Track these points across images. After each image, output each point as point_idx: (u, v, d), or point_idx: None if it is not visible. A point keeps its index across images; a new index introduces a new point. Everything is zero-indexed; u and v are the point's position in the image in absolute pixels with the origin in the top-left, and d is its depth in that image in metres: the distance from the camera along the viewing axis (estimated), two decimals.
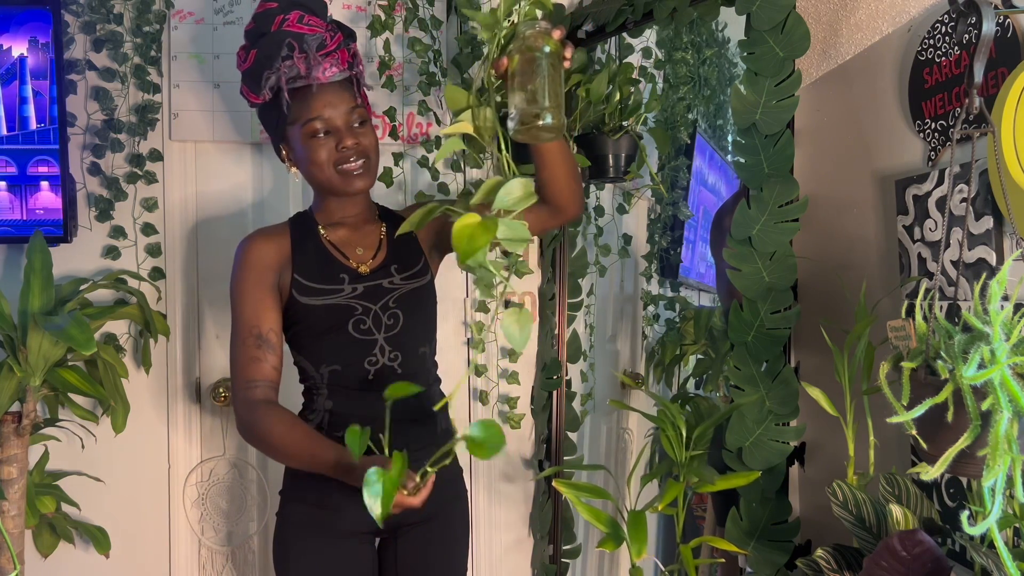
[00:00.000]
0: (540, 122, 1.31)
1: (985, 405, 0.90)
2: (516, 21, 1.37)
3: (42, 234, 1.94)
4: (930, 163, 1.35)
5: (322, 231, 1.68)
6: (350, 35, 1.65)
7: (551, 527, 2.31)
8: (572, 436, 2.33)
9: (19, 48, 2.03)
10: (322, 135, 1.58)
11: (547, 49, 1.31)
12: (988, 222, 1.21)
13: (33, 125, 2.04)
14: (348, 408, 1.63)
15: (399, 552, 1.70)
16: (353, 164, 1.59)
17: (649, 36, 2.53)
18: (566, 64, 1.36)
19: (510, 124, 1.35)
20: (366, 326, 1.63)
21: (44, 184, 2.05)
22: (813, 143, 1.66)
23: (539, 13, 1.41)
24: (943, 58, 1.32)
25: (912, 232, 1.37)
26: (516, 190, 1.25)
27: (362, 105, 1.64)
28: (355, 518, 1.56)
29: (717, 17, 1.70)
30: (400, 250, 1.71)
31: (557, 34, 1.33)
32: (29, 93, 2.04)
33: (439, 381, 1.78)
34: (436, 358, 1.78)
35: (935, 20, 1.34)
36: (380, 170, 1.86)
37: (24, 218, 2.06)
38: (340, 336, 1.62)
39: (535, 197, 1.26)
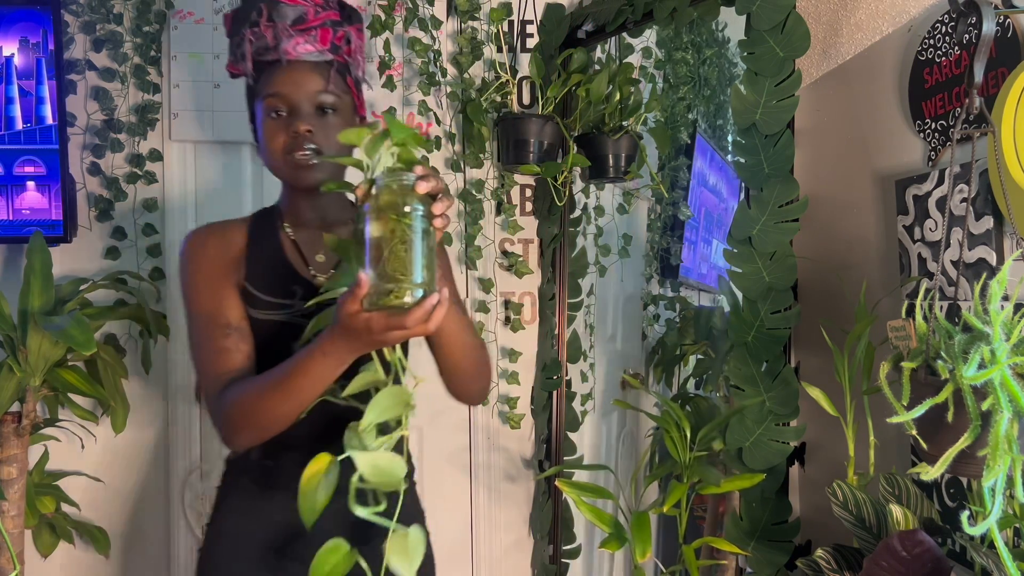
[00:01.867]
0: (396, 301, 1.04)
1: (985, 405, 0.90)
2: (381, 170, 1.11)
3: (42, 234, 1.94)
4: (930, 163, 1.35)
5: (287, 228, 1.47)
6: (349, 18, 1.49)
7: (551, 527, 2.31)
8: (572, 436, 2.33)
9: (9, 48, 2.04)
10: (280, 115, 1.39)
11: (407, 208, 1.04)
12: (988, 222, 1.21)
13: (19, 125, 2.05)
14: (288, 461, 1.41)
15: None
16: (302, 153, 1.37)
17: (649, 36, 2.53)
18: (437, 224, 1.08)
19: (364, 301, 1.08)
20: None
21: (30, 184, 2.06)
22: (813, 143, 1.66)
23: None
24: (943, 58, 1.32)
25: (912, 232, 1.37)
26: (385, 402, 1.08)
27: (337, 93, 1.42)
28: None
29: (717, 17, 1.70)
30: None
31: (423, 187, 1.06)
32: (16, 93, 2.04)
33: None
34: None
35: (935, 20, 1.34)
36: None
37: (10, 218, 2.06)
38: (285, 358, 1.33)
39: (412, 407, 1.09)
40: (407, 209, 1.04)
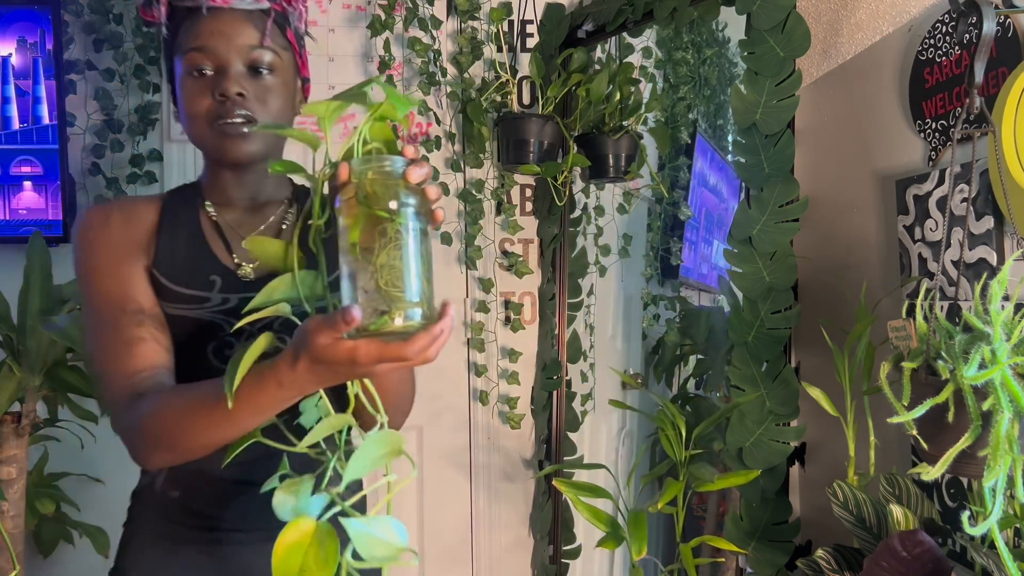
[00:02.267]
0: (395, 327, 0.79)
1: (986, 405, 0.90)
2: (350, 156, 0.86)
3: (41, 234, 1.94)
4: (931, 163, 1.34)
5: (209, 208, 1.23)
6: None
7: (551, 527, 2.30)
8: (572, 436, 2.33)
9: (6, 48, 2.04)
10: (204, 73, 1.14)
11: (395, 204, 0.80)
12: (989, 222, 1.20)
13: (16, 125, 2.05)
14: (199, 490, 1.18)
15: None
16: (231, 121, 1.13)
17: (649, 36, 2.53)
18: (436, 219, 0.85)
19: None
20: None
21: (27, 184, 2.06)
22: (813, 143, 1.66)
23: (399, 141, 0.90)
24: (944, 58, 1.32)
25: (913, 232, 1.37)
26: (374, 452, 0.83)
27: (275, 49, 1.17)
28: None
29: (717, 17, 1.69)
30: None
31: (416, 175, 0.81)
32: (12, 93, 2.04)
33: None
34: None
35: (936, 20, 1.34)
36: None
37: (7, 218, 2.07)
38: (194, 366, 1.15)
39: (400, 452, 0.84)
40: (396, 205, 0.80)
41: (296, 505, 0.83)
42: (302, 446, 0.88)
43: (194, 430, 0.97)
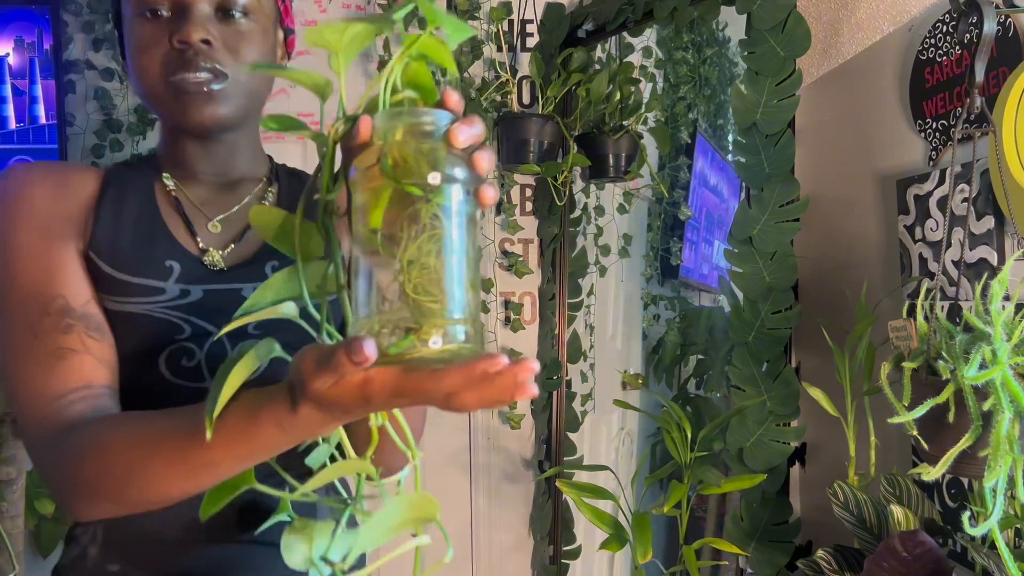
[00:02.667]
0: (429, 345, 0.55)
1: (986, 405, 0.90)
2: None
3: None
4: (931, 163, 1.34)
5: (167, 181, 0.98)
6: None
7: (551, 528, 2.30)
8: (572, 437, 2.33)
9: (3, 48, 2.04)
10: (159, 15, 0.90)
11: (435, 179, 0.55)
12: (989, 222, 1.20)
13: (12, 125, 2.05)
14: (153, 558, 0.90)
15: None
16: (193, 76, 0.89)
17: (649, 35, 2.53)
18: (486, 199, 0.58)
19: (362, 325, 0.56)
20: (193, 363, 0.91)
21: None
22: (814, 143, 1.66)
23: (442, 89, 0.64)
24: (944, 57, 1.32)
25: (913, 232, 1.37)
26: (399, 516, 0.62)
27: None
28: None
29: (717, 16, 1.69)
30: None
31: (464, 135, 0.56)
32: (9, 93, 2.04)
33: None
34: None
35: (936, 19, 1.33)
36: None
37: None
38: (143, 377, 0.90)
39: (431, 519, 0.64)
40: (435, 178, 0.55)
41: (310, 554, 0.68)
42: (302, 491, 0.64)
43: (152, 476, 0.70)
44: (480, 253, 0.53)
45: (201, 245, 0.95)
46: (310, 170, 1.00)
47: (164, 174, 0.99)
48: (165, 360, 0.90)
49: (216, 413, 0.62)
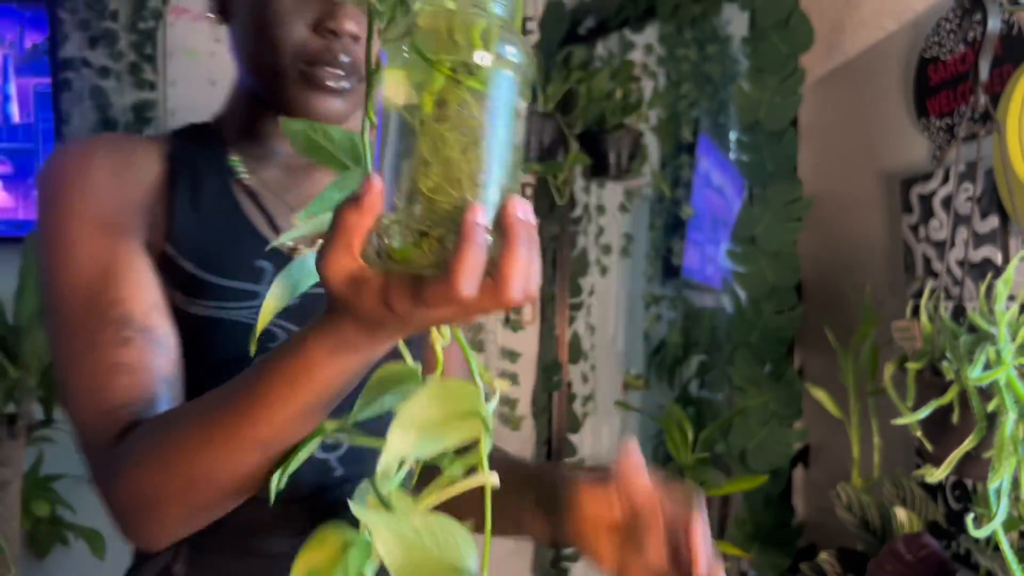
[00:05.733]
0: (433, 255, 0.47)
1: (991, 406, 0.90)
2: None
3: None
4: (935, 161, 1.33)
5: (237, 165, 0.87)
6: None
7: None
8: (572, 438, 2.32)
9: None
10: None
11: (479, 56, 0.46)
12: (994, 221, 1.19)
13: None
14: (225, 544, 0.82)
15: None
16: (336, 73, 0.80)
17: (651, 33, 2.52)
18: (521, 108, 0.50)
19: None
20: None
21: None
22: (817, 141, 1.65)
23: None
24: (948, 55, 1.31)
25: (917, 231, 1.36)
26: (428, 411, 0.53)
27: None
28: None
29: (719, 13, 1.69)
30: None
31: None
32: None
33: None
34: None
35: (940, 17, 1.33)
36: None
37: None
38: None
39: (480, 407, 0.56)
40: (479, 56, 0.47)
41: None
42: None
43: (212, 456, 0.62)
44: (520, 153, 0.44)
45: (291, 244, 0.83)
46: None
47: (232, 158, 0.86)
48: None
49: (261, 326, 0.59)
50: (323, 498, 0.80)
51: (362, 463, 0.82)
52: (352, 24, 0.78)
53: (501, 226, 0.47)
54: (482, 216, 0.45)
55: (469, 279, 0.45)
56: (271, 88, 0.82)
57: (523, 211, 0.47)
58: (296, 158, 0.87)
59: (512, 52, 0.47)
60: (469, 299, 0.46)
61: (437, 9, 0.47)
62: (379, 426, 0.55)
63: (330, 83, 0.79)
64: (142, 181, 0.81)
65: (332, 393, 0.58)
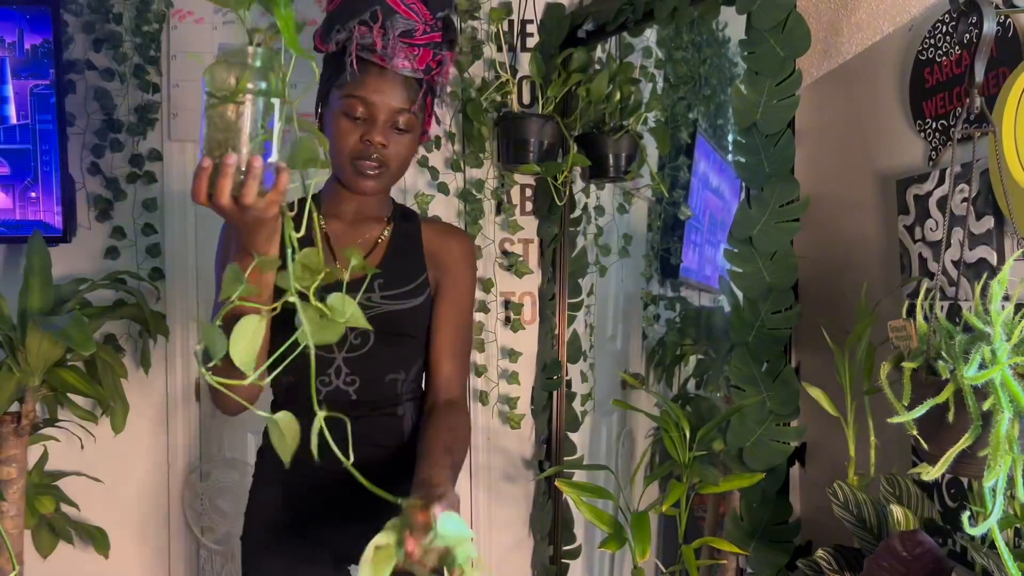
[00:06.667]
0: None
1: (986, 405, 0.90)
2: None
3: (41, 234, 1.93)
4: (931, 163, 1.34)
5: (322, 221, 1.47)
6: (450, 42, 1.48)
7: (551, 528, 2.30)
8: (572, 436, 2.33)
9: None
10: (357, 118, 1.38)
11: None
12: (989, 222, 1.20)
13: None
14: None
15: None
16: (369, 163, 1.38)
17: (649, 36, 2.53)
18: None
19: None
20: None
21: None
22: (814, 143, 1.66)
23: None
24: (944, 57, 1.32)
25: (913, 232, 1.37)
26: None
27: (416, 113, 1.42)
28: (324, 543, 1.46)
29: (717, 16, 1.69)
30: (395, 262, 1.48)
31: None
32: None
33: (418, 408, 1.53)
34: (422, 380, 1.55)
35: (936, 19, 1.33)
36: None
37: None
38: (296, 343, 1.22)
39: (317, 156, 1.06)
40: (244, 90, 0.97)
41: None
42: None
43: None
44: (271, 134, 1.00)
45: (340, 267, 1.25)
46: None
47: (320, 213, 1.47)
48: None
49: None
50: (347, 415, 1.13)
51: (371, 391, 1.46)
52: (380, 138, 1.37)
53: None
54: (232, 160, 0.97)
55: (223, 191, 0.99)
56: (342, 176, 1.41)
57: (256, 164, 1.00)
58: (355, 218, 1.49)
59: (260, 84, 0.96)
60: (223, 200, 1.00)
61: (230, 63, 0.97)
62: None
63: (369, 172, 1.39)
64: None
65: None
